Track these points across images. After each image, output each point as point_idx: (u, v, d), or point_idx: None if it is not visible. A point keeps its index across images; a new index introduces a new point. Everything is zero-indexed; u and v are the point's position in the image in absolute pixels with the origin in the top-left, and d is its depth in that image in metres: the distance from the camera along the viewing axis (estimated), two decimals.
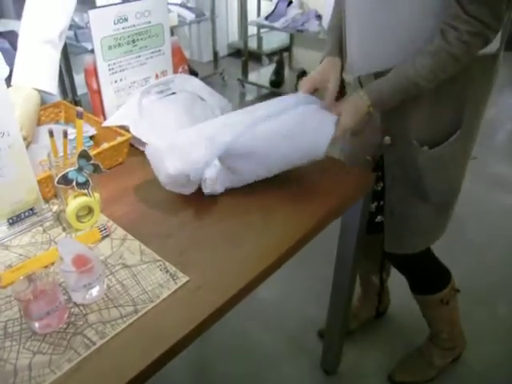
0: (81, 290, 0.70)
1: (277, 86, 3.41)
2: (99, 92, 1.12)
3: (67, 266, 0.70)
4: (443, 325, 1.40)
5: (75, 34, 2.63)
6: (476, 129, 1.06)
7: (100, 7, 1.03)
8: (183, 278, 0.75)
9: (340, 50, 1.05)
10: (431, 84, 0.89)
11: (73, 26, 2.67)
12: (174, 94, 1.19)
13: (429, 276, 1.32)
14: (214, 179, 0.89)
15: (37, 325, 0.67)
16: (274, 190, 0.95)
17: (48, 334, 0.67)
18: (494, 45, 0.92)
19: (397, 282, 1.56)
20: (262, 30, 4.13)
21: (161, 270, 0.77)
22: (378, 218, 1.18)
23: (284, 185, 0.96)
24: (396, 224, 1.16)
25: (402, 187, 1.10)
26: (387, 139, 1.05)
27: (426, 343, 1.47)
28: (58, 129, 0.89)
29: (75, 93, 2.76)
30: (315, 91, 1.02)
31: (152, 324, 0.68)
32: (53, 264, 0.77)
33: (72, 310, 0.71)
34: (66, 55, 2.57)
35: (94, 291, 0.72)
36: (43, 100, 1.11)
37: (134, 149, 1.11)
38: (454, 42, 0.83)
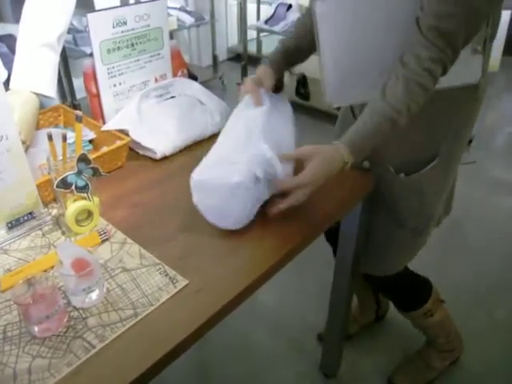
0: (80, 294, 0.70)
1: (276, 91, 3.41)
2: (98, 96, 1.12)
3: (66, 270, 0.70)
4: (437, 332, 1.40)
5: (74, 38, 2.63)
6: (456, 155, 1.06)
7: (99, 11, 1.03)
8: (183, 282, 0.75)
9: (277, 63, 1.12)
10: (407, 119, 0.84)
11: (72, 30, 2.67)
12: (173, 97, 1.19)
13: (409, 293, 1.32)
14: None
15: (36, 329, 0.67)
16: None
17: (47, 337, 0.67)
18: (477, 74, 0.92)
19: None
20: (261, 34, 4.13)
21: (160, 273, 0.77)
22: None
23: None
24: (370, 244, 1.16)
25: (378, 211, 1.10)
26: (366, 163, 1.05)
27: (425, 346, 1.47)
28: (56, 132, 0.89)
29: (74, 97, 2.76)
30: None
31: (152, 327, 0.68)
32: (52, 268, 0.77)
33: (71, 313, 0.71)
34: (64, 59, 2.58)
35: (94, 295, 0.72)
36: (42, 104, 1.11)
37: (134, 153, 1.12)
38: (418, 71, 0.81)
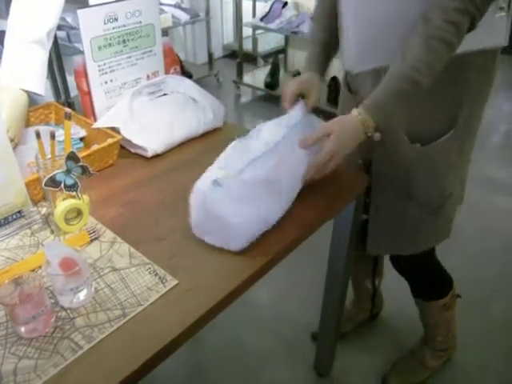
0: (68, 294, 0.69)
1: (272, 88, 3.41)
2: (89, 93, 1.11)
3: (54, 270, 0.69)
4: (441, 329, 1.40)
5: (68, 35, 2.62)
6: (472, 131, 1.03)
7: (89, 7, 1.02)
8: (172, 282, 0.74)
9: (319, 63, 1.05)
10: (430, 78, 0.82)
11: (65, 27, 2.66)
12: (165, 95, 1.18)
13: (433, 281, 1.30)
14: None
15: (23, 329, 0.66)
16: None
17: (34, 338, 0.66)
18: (501, 36, 0.89)
19: (389, 285, 1.56)
20: (257, 32, 4.12)
21: (150, 273, 0.76)
22: (363, 217, 1.15)
23: None
24: (381, 221, 1.13)
25: (389, 184, 1.07)
26: (377, 136, 1.01)
27: (420, 345, 1.47)
28: (45, 130, 0.88)
29: (68, 94, 2.74)
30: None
31: (140, 328, 0.67)
32: (40, 267, 0.76)
33: (59, 314, 0.70)
34: (58, 56, 2.56)
35: (82, 295, 0.71)
36: (35, 101, 1.10)
37: (125, 150, 1.10)
38: (442, 26, 0.78)
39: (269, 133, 0.90)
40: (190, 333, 0.68)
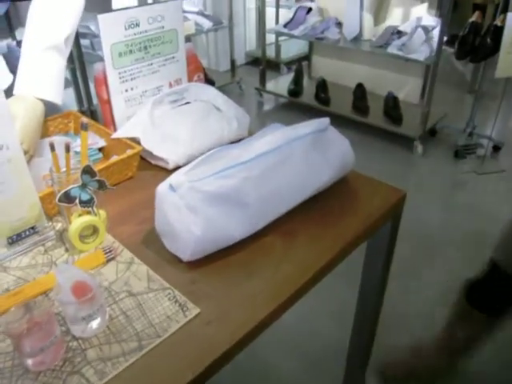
0: (80, 323, 0.63)
1: (295, 96, 3.34)
2: (109, 102, 1.06)
3: (65, 295, 0.63)
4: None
5: (91, 43, 2.61)
6: None
7: (110, 12, 0.97)
8: (194, 310, 0.67)
9: None
10: None
11: (88, 35, 2.65)
12: (188, 103, 1.12)
13: None
14: None
15: (30, 362, 0.60)
16: (295, 211, 0.86)
17: (42, 371, 0.60)
18: None
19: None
20: (280, 38, 4.07)
21: (169, 299, 0.69)
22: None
23: (305, 205, 0.88)
24: None
25: None
26: None
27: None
28: (62, 141, 0.83)
29: (91, 102, 2.73)
30: None
31: (157, 364, 0.60)
32: (52, 290, 0.70)
33: (70, 343, 0.64)
34: (82, 64, 2.55)
35: (95, 323, 0.64)
36: (59, 108, 1.05)
37: (146, 162, 1.05)
38: None
39: (265, 141, 0.83)
40: (212, 371, 0.60)
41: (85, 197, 0.76)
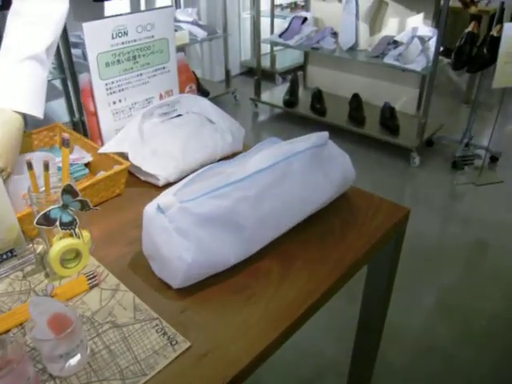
0: (58, 361, 0.57)
1: (291, 106, 3.30)
2: (96, 114, 1.01)
3: (40, 332, 0.56)
4: None
5: (83, 53, 2.56)
6: None
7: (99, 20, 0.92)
8: (184, 344, 0.61)
9: None
10: None
11: (80, 44, 2.61)
12: (179, 116, 1.07)
13: None
14: None
15: None
16: (293, 231, 0.81)
17: None
18: None
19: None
20: (275, 48, 4.04)
21: (157, 331, 0.63)
22: None
23: (304, 223, 0.82)
24: None
25: None
26: None
27: None
28: (42, 157, 0.77)
29: (82, 113, 2.67)
30: None
31: None
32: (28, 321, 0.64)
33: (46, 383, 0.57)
34: (73, 74, 2.50)
35: (74, 360, 0.58)
36: (46, 121, 0.99)
37: (135, 178, 0.99)
38: None
39: (262, 157, 0.77)
40: None
41: (66, 218, 0.70)
